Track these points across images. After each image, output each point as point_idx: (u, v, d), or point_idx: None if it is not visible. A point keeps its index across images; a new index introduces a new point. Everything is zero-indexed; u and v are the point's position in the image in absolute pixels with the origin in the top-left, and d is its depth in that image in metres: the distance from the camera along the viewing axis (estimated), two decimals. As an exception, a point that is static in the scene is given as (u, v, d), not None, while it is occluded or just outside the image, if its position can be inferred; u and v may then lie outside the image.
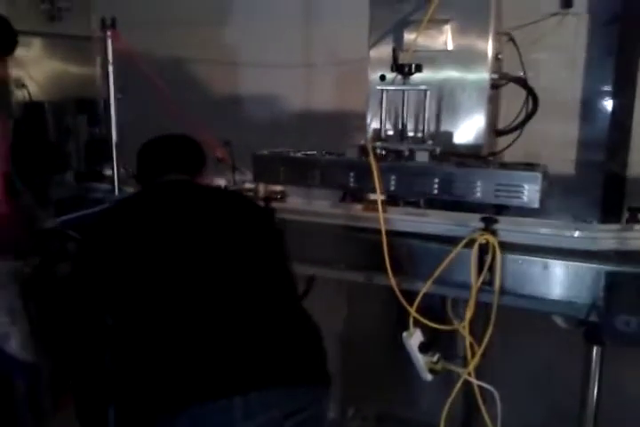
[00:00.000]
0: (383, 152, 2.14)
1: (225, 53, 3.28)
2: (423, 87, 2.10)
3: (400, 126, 2.20)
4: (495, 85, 2.32)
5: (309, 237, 2.24)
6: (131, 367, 1.52)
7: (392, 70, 2.13)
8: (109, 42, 2.45)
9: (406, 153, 2.06)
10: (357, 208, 2.14)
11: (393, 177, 2.01)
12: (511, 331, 2.19)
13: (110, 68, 2.43)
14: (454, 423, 2.27)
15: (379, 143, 2.11)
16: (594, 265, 1.81)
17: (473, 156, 2.26)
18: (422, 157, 2.01)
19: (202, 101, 3.18)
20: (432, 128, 2.33)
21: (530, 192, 1.83)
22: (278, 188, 2.28)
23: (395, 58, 2.11)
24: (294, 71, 3.12)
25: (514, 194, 1.84)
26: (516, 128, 2.53)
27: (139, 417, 1.52)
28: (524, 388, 2.88)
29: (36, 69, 2.84)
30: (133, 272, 1.57)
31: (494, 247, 1.83)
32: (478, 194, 1.90)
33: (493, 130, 2.53)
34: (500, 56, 2.34)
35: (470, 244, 1.86)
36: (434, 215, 2.07)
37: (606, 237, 1.83)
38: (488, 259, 1.85)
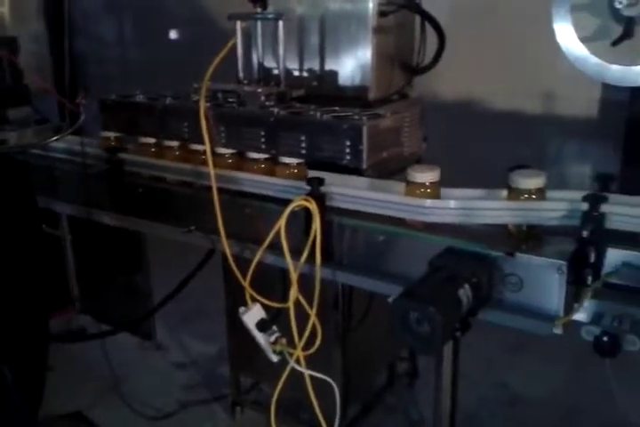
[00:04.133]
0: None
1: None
2: (272, 16, 1.73)
3: (256, 65, 1.85)
4: (384, 12, 1.89)
5: (162, 194, 1.97)
6: None
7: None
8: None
9: (242, 97, 1.72)
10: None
11: (222, 127, 1.69)
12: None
13: None
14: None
15: (224, 85, 1.78)
16: (437, 239, 1.45)
17: (358, 99, 1.91)
18: (251, 102, 1.66)
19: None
20: (315, 67, 1.99)
21: (352, 150, 1.46)
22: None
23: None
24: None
25: (337, 152, 1.49)
26: (430, 66, 2.11)
27: None
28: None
29: None
30: None
31: (314, 214, 1.50)
32: (303, 150, 1.55)
33: (404, 67, 2.12)
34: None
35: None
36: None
37: (457, 207, 1.45)
38: (313, 227, 1.53)
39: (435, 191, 1.45)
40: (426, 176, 1.42)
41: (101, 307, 2.69)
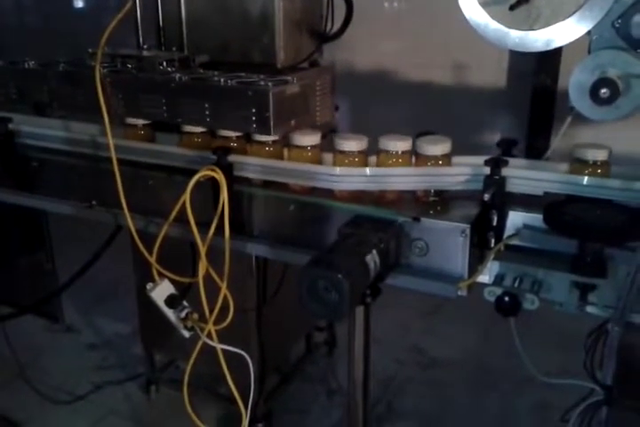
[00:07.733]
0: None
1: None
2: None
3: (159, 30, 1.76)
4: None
5: (59, 167, 1.86)
6: None
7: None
8: None
9: (142, 62, 1.62)
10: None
11: (120, 94, 1.59)
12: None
13: None
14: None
15: (122, 50, 1.67)
16: (347, 207, 1.44)
17: (266, 66, 1.85)
18: (151, 68, 1.58)
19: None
20: (221, 32, 1.90)
21: (259, 117, 1.42)
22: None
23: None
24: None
25: (244, 119, 1.44)
26: (339, 33, 2.08)
27: None
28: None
29: None
30: None
31: (221, 185, 1.45)
32: (208, 118, 1.49)
33: (313, 34, 2.08)
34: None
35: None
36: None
37: (366, 174, 1.44)
38: (221, 198, 1.48)
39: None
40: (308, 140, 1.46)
41: (3, 289, 2.53)
